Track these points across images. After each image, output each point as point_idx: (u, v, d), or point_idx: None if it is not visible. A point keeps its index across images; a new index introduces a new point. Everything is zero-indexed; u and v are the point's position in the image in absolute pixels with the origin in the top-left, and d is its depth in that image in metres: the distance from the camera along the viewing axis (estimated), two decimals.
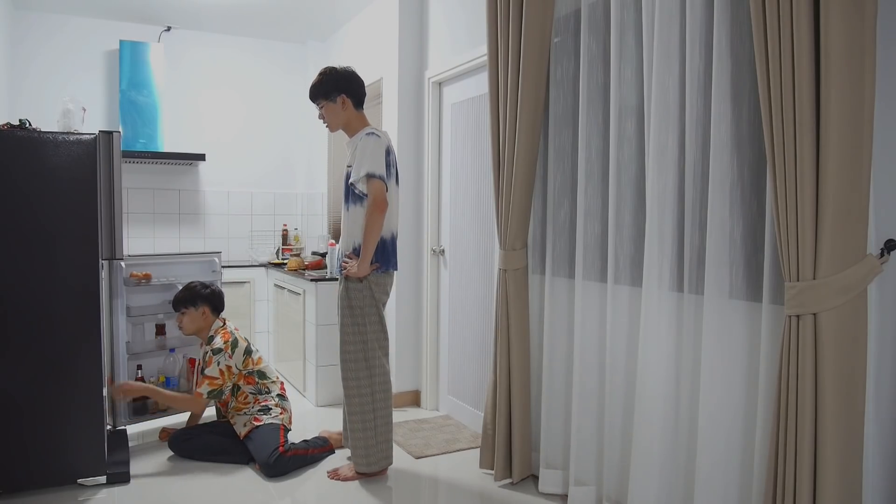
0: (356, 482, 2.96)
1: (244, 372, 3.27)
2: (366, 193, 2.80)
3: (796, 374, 1.72)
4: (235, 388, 3.28)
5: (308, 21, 5.16)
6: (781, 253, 1.76)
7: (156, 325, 3.79)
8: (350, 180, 2.86)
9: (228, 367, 3.22)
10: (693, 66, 2.11)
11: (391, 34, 4.17)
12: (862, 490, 1.69)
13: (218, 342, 3.24)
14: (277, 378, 3.44)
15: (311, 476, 3.07)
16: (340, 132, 3.04)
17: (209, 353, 3.22)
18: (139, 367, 3.64)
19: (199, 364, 3.39)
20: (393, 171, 2.92)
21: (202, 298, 3.37)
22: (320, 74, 2.97)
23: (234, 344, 3.27)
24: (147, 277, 3.68)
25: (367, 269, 2.84)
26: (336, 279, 4.13)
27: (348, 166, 2.92)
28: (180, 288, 3.48)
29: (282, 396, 3.38)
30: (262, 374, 3.34)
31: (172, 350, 3.76)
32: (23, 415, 2.74)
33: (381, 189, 2.78)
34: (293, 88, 5.73)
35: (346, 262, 2.90)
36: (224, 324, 3.38)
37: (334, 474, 3.00)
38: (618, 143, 2.43)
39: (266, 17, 5.05)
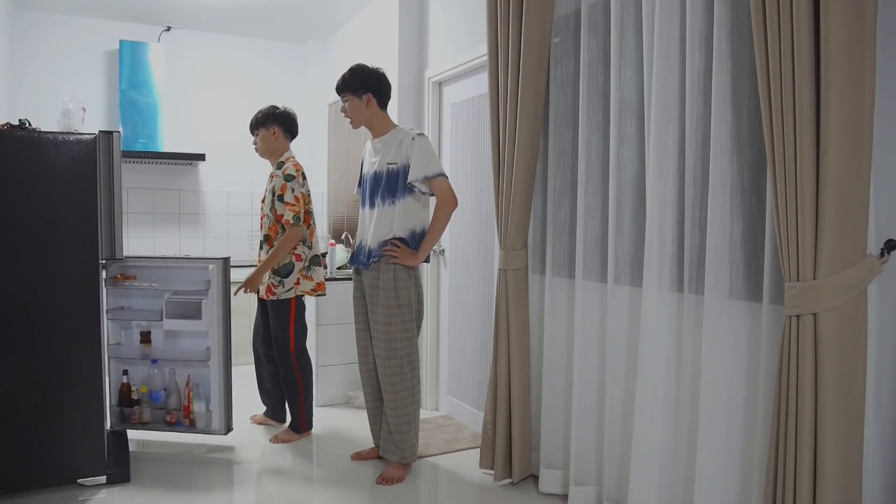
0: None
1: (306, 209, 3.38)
2: (424, 191, 2.91)
3: (796, 374, 1.72)
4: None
5: (308, 21, 5.16)
6: (781, 253, 1.76)
7: (140, 332, 3.39)
8: (410, 179, 2.88)
9: (303, 195, 3.34)
10: (693, 66, 2.11)
11: (391, 34, 4.17)
12: (862, 490, 1.69)
13: (290, 168, 3.35)
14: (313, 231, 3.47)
15: (315, 479, 3.07)
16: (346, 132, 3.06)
17: (281, 179, 3.33)
18: (125, 371, 3.33)
19: (267, 192, 3.43)
20: None
21: (272, 119, 3.45)
22: (350, 70, 3.01)
23: (304, 176, 3.39)
24: (131, 279, 3.40)
25: (421, 260, 2.94)
26: (335, 279, 4.13)
27: (389, 164, 2.93)
28: (170, 293, 3.33)
29: (316, 259, 3.44)
30: (313, 220, 3.45)
31: (155, 361, 3.34)
32: (23, 415, 2.74)
33: (450, 185, 2.93)
34: (293, 88, 5.73)
35: (395, 250, 2.89)
36: (294, 158, 3.47)
37: (382, 480, 2.94)
38: (618, 143, 2.43)
39: (266, 17, 5.05)
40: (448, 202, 2.91)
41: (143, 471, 3.07)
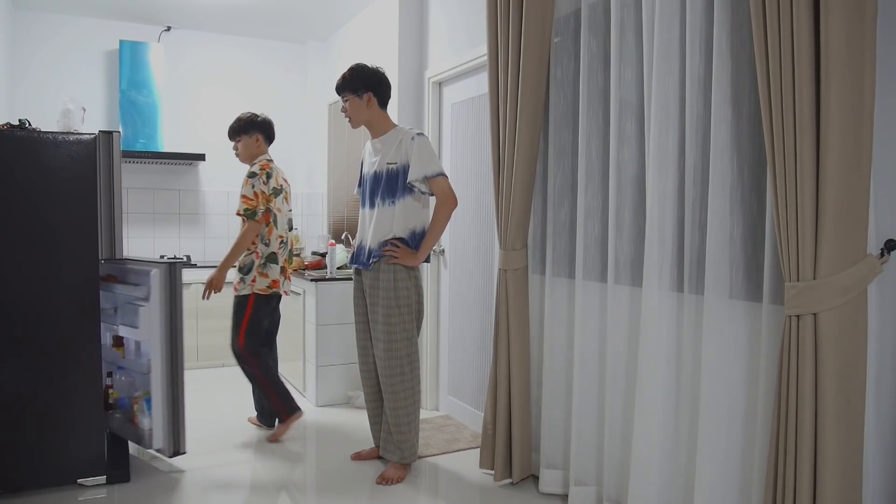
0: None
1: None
2: (424, 191, 2.91)
3: (796, 374, 1.72)
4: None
5: (308, 21, 5.17)
6: (781, 253, 1.76)
7: (112, 336, 3.22)
8: (409, 179, 2.88)
9: (263, 193, 3.39)
10: (693, 66, 2.11)
11: (391, 34, 4.17)
12: (862, 490, 1.70)
13: (255, 167, 3.44)
14: (285, 237, 3.53)
15: (315, 479, 3.07)
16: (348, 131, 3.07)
17: (246, 176, 3.42)
18: (109, 374, 3.22)
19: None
20: None
21: (255, 126, 3.53)
22: (350, 69, 3.01)
23: (269, 175, 3.42)
24: (112, 281, 3.28)
25: (421, 260, 2.93)
26: (335, 279, 4.14)
27: (389, 164, 2.93)
28: (133, 297, 3.18)
29: (273, 257, 3.45)
30: (274, 219, 3.45)
31: (121, 368, 3.21)
32: (23, 415, 2.74)
33: (449, 185, 2.93)
34: (293, 88, 5.73)
35: (395, 250, 2.89)
36: (271, 161, 3.53)
37: (382, 480, 2.94)
38: (618, 143, 2.43)
39: (266, 17, 5.05)
40: (448, 202, 2.91)
41: (144, 470, 3.07)
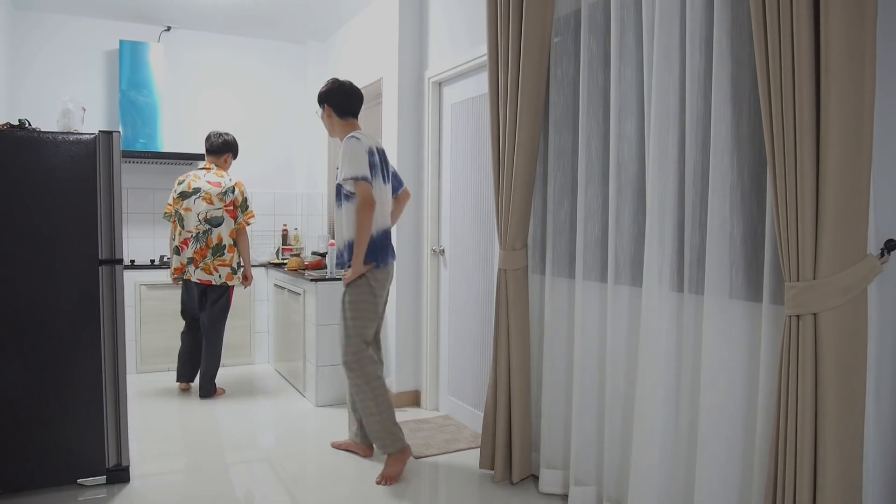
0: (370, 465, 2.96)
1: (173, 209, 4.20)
2: (353, 193, 2.94)
3: (796, 374, 1.72)
4: None
5: (308, 21, 5.16)
6: (781, 253, 1.76)
7: None
8: (337, 181, 3.02)
9: (174, 199, 4.19)
10: (693, 66, 2.11)
11: (391, 34, 4.17)
12: (862, 490, 1.70)
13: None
14: (196, 231, 4.10)
15: (315, 478, 3.07)
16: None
17: None
18: None
19: None
20: (379, 170, 3.05)
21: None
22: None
23: (179, 182, 4.19)
24: None
25: (360, 269, 2.96)
26: (335, 279, 4.14)
27: (337, 168, 3.06)
28: None
29: (176, 250, 4.16)
30: (180, 218, 4.14)
31: None
32: (23, 415, 2.74)
33: (366, 189, 2.91)
34: (293, 89, 5.73)
35: (345, 273, 3.04)
36: (202, 168, 4.23)
37: (383, 479, 2.97)
38: (618, 143, 2.44)
39: (266, 17, 5.05)
40: (361, 206, 2.90)
41: (144, 470, 3.07)
